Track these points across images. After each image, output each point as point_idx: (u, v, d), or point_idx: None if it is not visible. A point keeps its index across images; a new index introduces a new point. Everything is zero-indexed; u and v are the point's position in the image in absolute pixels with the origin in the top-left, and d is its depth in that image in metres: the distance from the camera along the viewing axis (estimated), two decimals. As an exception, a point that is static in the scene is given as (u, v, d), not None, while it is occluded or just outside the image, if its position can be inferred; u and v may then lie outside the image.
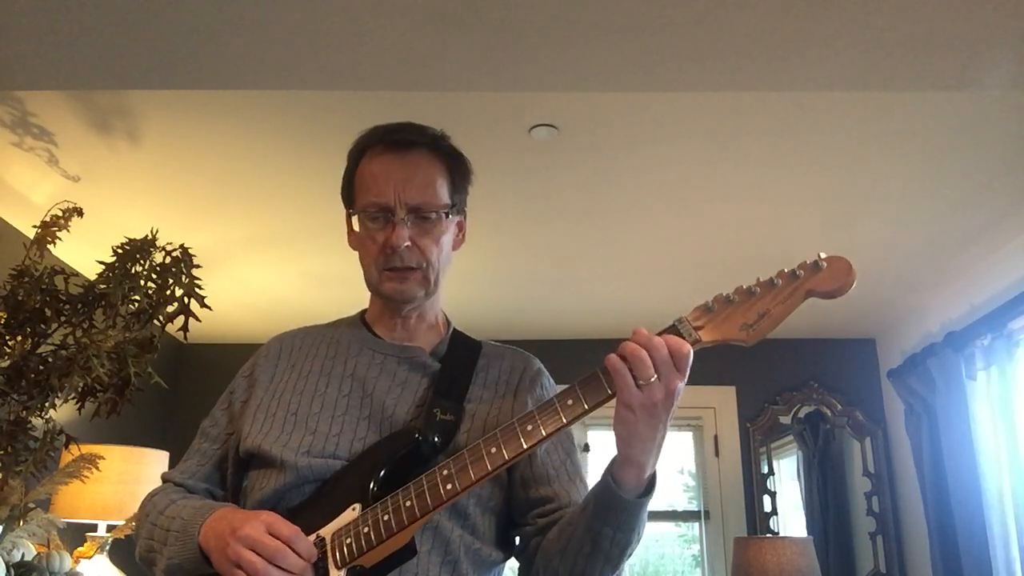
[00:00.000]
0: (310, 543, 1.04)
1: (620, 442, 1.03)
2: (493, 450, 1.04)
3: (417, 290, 1.22)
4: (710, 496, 4.12)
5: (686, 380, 1.02)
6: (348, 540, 1.05)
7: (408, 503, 1.04)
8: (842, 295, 1.03)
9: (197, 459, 1.26)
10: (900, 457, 3.92)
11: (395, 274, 1.21)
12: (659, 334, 1.03)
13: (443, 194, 1.23)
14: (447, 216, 1.23)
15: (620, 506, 1.04)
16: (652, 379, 0.99)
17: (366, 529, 1.05)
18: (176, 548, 1.10)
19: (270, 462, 1.16)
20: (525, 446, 1.03)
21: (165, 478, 1.27)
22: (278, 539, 1.01)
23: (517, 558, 1.23)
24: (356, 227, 1.26)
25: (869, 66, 1.95)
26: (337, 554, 1.05)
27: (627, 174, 2.60)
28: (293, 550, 1.01)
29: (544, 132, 2.32)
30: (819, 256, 1.04)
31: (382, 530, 1.04)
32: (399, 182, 1.20)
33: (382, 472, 1.10)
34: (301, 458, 1.14)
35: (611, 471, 1.05)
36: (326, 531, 1.08)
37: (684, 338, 1.03)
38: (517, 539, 1.23)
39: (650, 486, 1.06)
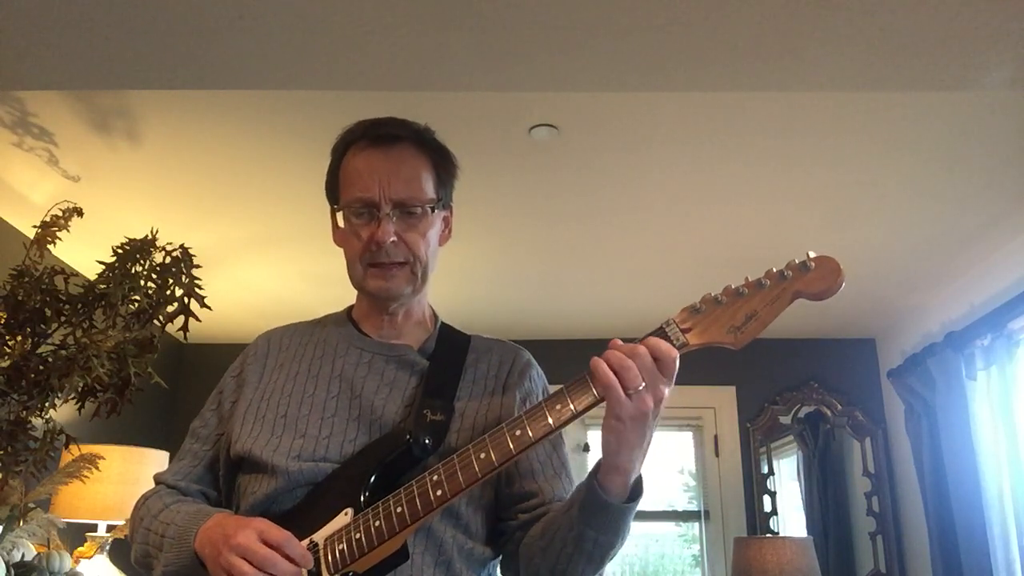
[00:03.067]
0: (303, 548, 1.03)
1: (608, 450, 1.03)
2: (483, 455, 1.03)
3: (404, 286, 1.21)
4: (710, 496, 4.12)
5: (673, 384, 1.01)
6: (341, 546, 1.05)
7: (399, 509, 1.04)
8: (830, 296, 1.01)
9: (189, 460, 1.25)
10: (900, 457, 3.92)
11: (380, 271, 1.20)
12: (646, 337, 1.03)
13: (428, 188, 1.22)
14: (432, 210, 1.22)
15: (606, 510, 1.03)
16: (641, 387, 0.98)
17: (358, 535, 1.04)
18: (172, 555, 1.10)
19: (261, 467, 1.15)
20: (514, 451, 1.03)
21: (158, 479, 1.26)
22: (270, 546, 1.01)
23: (500, 553, 1.22)
24: (341, 223, 1.25)
25: (869, 66, 1.95)
26: (330, 559, 1.05)
27: (627, 174, 2.60)
28: (286, 556, 1.01)
29: (544, 132, 2.32)
30: (808, 256, 1.02)
31: (374, 536, 1.04)
32: (384, 177, 1.18)
33: (373, 476, 1.09)
34: (292, 462, 1.13)
35: (596, 475, 1.04)
36: (319, 536, 1.07)
37: (671, 341, 1.02)
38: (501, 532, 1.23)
39: (636, 491, 1.05)
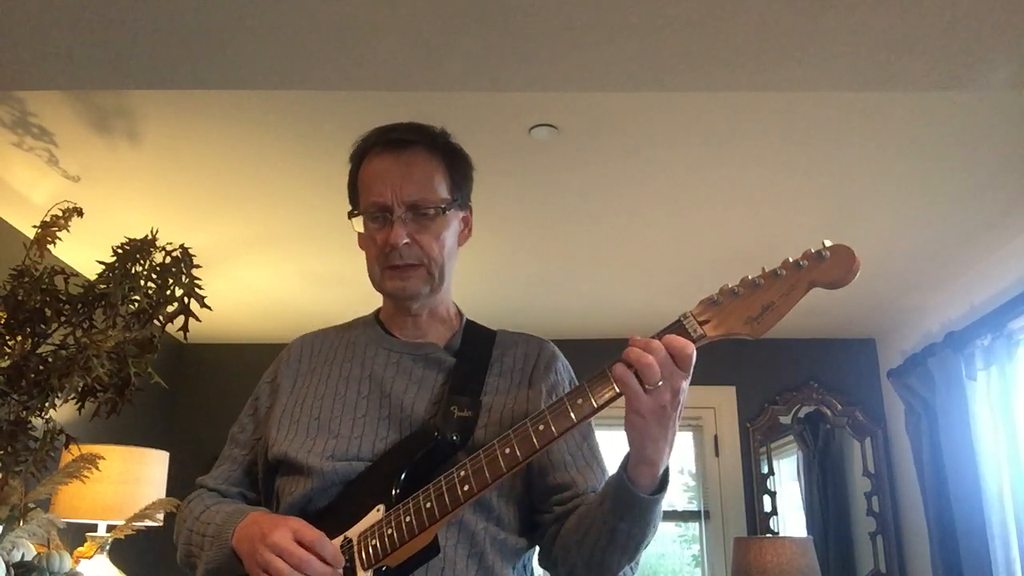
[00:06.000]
0: (336, 548, 1.07)
1: (633, 445, 1.04)
2: (507, 451, 1.06)
3: (421, 286, 1.23)
4: (710, 496, 4.12)
5: (690, 377, 1.02)
6: (373, 541, 1.08)
7: (428, 505, 1.07)
8: (845, 285, 1.02)
9: (228, 465, 1.31)
10: (900, 457, 3.92)
11: (396, 271, 1.22)
12: (663, 331, 1.04)
13: (441, 190, 1.24)
14: (446, 211, 1.24)
15: (636, 503, 1.05)
16: (660, 383, 0.99)
17: (390, 531, 1.08)
18: (212, 553, 1.14)
19: (297, 468, 1.19)
20: (538, 446, 1.05)
21: (199, 484, 1.31)
22: (304, 546, 1.04)
23: (536, 544, 1.24)
24: (362, 229, 1.27)
25: (869, 66, 1.95)
26: (363, 555, 1.09)
27: (627, 174, 2.60)
28: (319, 556, 1.04)
29: (544, 132, 2.32)
30: (823, 245, 1.03)
31: (405, 531, 1.07)
32: (396, 180, 1.21)
33: (403, 473, 1.13)
34: (326, 462, 1.17)
35: (625, 469, 1.06)
36: (352, 532, 1.11)
37: (689, 334, 1.03)
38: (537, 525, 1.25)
39: (663, 482, 1.07)
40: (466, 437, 1.16)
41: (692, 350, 1.01)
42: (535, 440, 1.05)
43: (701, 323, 1.04)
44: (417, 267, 1.22)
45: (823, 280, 1.02)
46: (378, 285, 1.26)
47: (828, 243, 1.03)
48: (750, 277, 1.05)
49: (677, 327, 1.04)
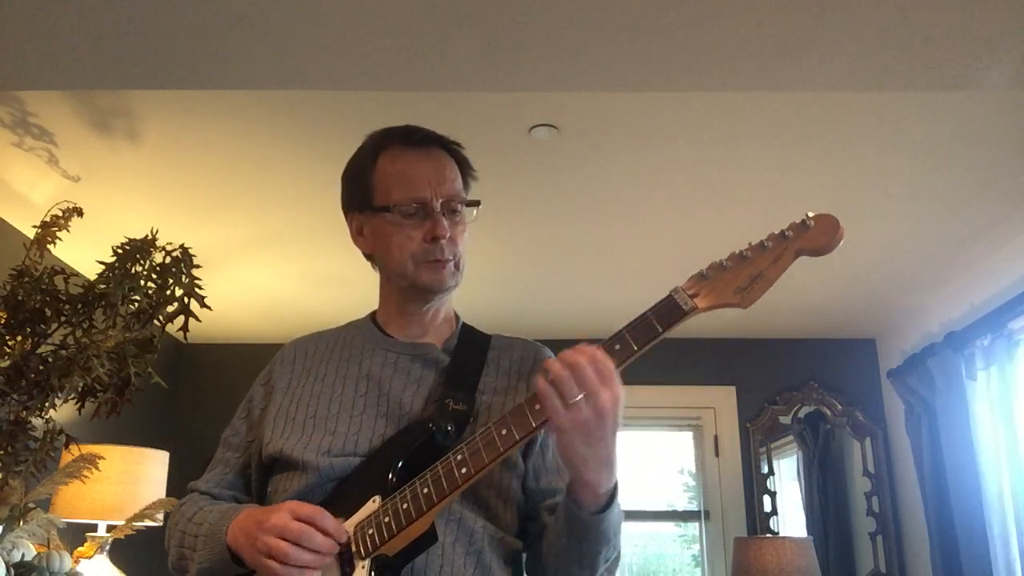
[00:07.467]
0: (336, 521, 1.06)
1: (566, 464, 1.04)
2: (504, 431, 1.05)
3: (451, 280, 1.25)
4: (710, 496, 4.12)
5: (618, 395, 1.01)
6: (370, 531, 1.08)
7: (425, 490, 1.07)
8: (830, 251, 1.05)
9: (221, 468, 1.30)
10: (900, 457, 3.92)
11: (438, 265, 1.23)
12: (653, 308, 1.06)
13: (464, 189, 1.29)
14: (467, 208, 1.28)
15: (580, 522, 1.05)
16: (578, 398, 0.99)
17: (386, 519, 1.07)
18: (205, 552, 1.13)
19: (293, 465, 1.19)
20: (534, 424, 1.04)
21: (191, 488, 1.30)
22: (303, 521, 1.04)
23: (526, 549, 1.24)
24: (371, 228, 1.27)
25: (869, 66, 1.95)
26: (361, 545, 1.08)
27: (627, 174, 2.60)
28: (320, 528, 1.04)
29: (544, 132, 2.32)
30: (807, 215, 1.06)
31: (402, 518, 1.06)
32: (431, 177, 1.24)
33: (400, 463, 1.12)
34: (322, 458, 1.17)
35: (569, 488, 1.06)
36: (349, 524, 1.10)
37: (680, 307, 1.05)
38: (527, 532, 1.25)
39: (610, 500, 1.06)
40: (461, 429, 1.16)
41: (611, 364, 1.01)
42: (531, 419, 1.05)
43: (691, 296, 1.06)
44: (450, 262, 1.24)
45: (809, 247, 1.06)
46: (410, 279, 1.25)
47: (812, 213, 1.06)
48: (737, 251, 1.07)
49: (667, 301, 1.06)
